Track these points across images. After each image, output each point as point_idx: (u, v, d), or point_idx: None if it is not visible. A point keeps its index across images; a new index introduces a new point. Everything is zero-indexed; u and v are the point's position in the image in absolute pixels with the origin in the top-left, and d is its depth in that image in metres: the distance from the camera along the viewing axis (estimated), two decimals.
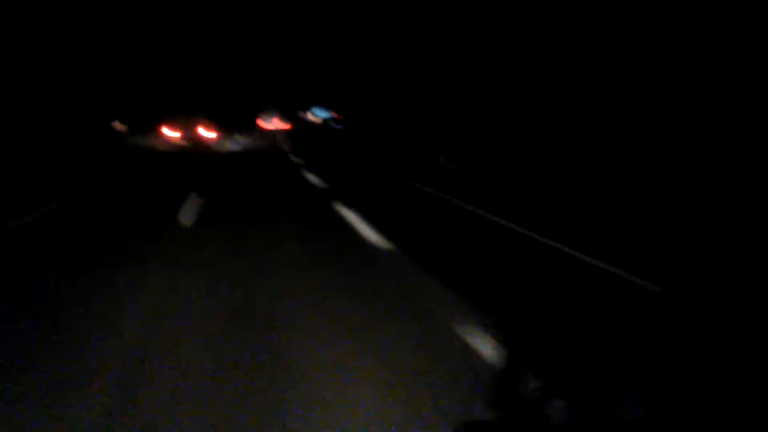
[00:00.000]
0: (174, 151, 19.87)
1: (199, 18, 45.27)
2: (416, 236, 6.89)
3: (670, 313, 4.59)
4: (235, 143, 25.13)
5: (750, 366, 3.47)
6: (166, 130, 21.70)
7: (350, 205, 8.77)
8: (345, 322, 3.96)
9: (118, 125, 26.64)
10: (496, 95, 19.02)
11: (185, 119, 22.03)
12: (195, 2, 43.81)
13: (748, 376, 3.29)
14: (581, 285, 5.08)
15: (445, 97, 23.24)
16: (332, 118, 40.96)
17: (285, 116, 38.22)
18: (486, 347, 3.46)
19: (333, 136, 32.70)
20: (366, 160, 18.33)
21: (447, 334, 3.73)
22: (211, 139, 22.55)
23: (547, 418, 2.14)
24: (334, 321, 3.97)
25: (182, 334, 3.70)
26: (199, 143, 21.54)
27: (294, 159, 18.30)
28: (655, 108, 12.13)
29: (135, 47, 30.20)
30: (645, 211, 9.25)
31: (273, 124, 36.97)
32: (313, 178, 12.76)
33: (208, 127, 22.57)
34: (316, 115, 42.88)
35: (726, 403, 2.91)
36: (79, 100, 24.35)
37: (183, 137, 21.60)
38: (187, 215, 7.91)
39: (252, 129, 34.43)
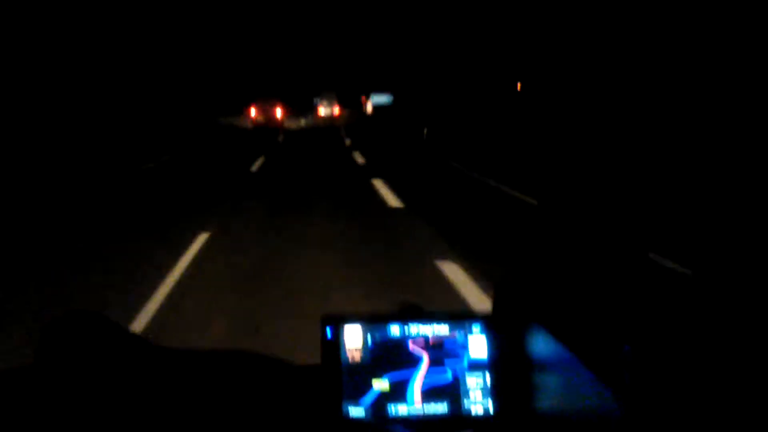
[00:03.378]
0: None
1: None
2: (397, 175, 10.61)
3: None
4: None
5: None
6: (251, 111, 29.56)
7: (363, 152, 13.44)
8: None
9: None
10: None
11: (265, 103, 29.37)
12: None
13: None
14: None
15: None
16: (383, 105, 42.91)
17: (342, 102, 42.56)
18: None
19: (379, 120, 35.55)
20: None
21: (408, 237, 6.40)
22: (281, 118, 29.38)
23: None
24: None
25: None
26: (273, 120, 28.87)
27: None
28: None
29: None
30: None
31: (329, 109, 41.59)
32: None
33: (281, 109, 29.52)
34: (373, 101, 45.22)
35: None
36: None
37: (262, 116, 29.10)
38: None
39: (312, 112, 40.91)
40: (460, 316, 0.95)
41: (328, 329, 0.92)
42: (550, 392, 0.83)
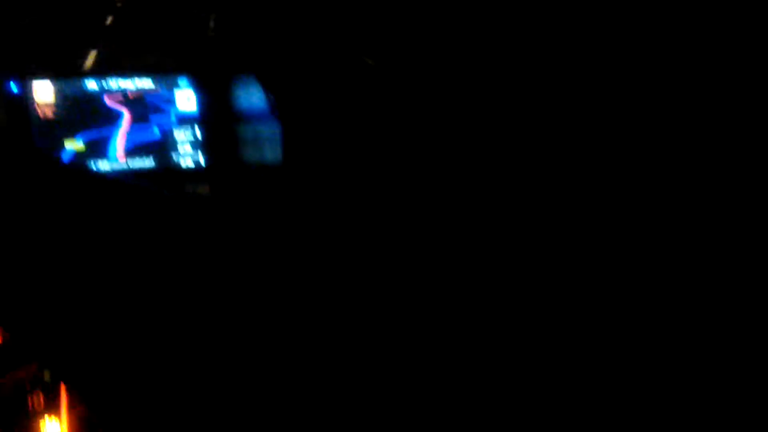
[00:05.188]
0: None
1: None
2: None
3: None
4: None
5: None
6: None
7: None
8: None
9: None
10: None
11: None
12: None
13: None
14: None
15: None
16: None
17: None
18: None
19: None
20: None
21: None
22: None
23: None
24: None
25: None
26: None
27: None
28: None
29: None
30: None
31: None
32: None
33: None
34: None
35: None
36: None
37: None
38: None
39: None
40: (164, 69, 0.88)
41: (12, 84, 0.80)
42: (255, 143, 0.93)
